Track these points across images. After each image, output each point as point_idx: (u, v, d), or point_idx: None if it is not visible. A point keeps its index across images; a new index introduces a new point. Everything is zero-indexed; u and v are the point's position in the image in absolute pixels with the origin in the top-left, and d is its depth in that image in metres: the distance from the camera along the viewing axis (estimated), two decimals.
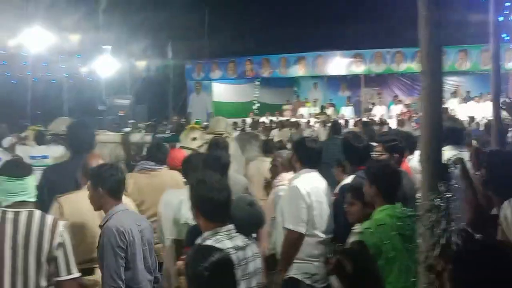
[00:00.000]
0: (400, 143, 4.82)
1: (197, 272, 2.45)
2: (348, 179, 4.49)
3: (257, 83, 24.09)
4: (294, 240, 4.38)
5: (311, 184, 4.48)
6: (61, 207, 3.92)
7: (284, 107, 22.83)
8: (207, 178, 3.13)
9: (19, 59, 15.93)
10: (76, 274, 3.29)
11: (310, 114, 21.23)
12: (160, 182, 5.16)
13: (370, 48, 20.97)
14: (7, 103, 14.85)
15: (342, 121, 16.20)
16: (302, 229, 4.37)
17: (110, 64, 18.03)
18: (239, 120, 19.11)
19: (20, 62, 16.11)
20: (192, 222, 3.57)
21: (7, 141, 9.34)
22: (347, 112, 21.06)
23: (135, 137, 10.45)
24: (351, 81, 22.73)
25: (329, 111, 21.12)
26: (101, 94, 16.84)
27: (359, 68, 21.50)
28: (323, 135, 14.48)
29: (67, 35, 16.52)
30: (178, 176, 5.10)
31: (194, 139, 7.22)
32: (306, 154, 4.60)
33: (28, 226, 3.18)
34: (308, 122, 19.15)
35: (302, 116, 20.96)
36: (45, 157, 8.13)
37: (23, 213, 3.21)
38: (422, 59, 2.39)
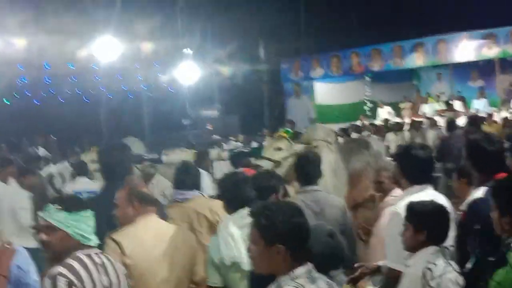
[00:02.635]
0: None
1: None
2: (479, 193, 4.00)
3: (368, 79, 23.26)
4: (394, 280, 3.91)
5: None
6: (119, 243, 3.84)
7: (402, 105, 21.76)
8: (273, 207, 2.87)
9: (90, 73, 16.08)
10: None
11: (435, 111, 20.04)
12: (194, 211, 5.10)
13: (505, 26, 19.27)
14: (80, 125, 15.00)
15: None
16: (403, 268, 3.87)
17: (193, 71, 17.81)
18: (348, 125, 18.26)
19: (92, 77, 16.27)
20: (243, 261, 3.64)
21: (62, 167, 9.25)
22: (480, 106, 19.65)
23: (212, 154, 10.08)
24: (483, 68, 21.19)
25: (458, 105, 19.76)
26: (185, 106, 16.62)
27: (492, 51, 19.87)
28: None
29: (142, 41, 16.45)
30: (215, 204, 4.98)
31: (279, 149, 7.13)
32: (413, 167, 4.18)
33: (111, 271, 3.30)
34: (433, 121, 17.87)
35: (425, 114, 19.89)
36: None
37: (100, 256, 3.30)
38: None
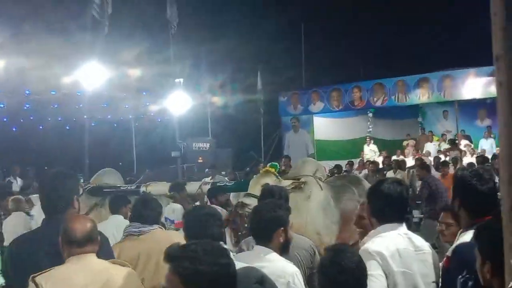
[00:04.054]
0: None
1: None
2: (467, 236, 3.59)
3: (370, 114, 23.03)
4: None
5: (390, 246, 3.67)
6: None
7: (405, 142, 21.41)
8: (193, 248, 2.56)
9: (73, 100, 15.73)
10: None
11: (439, 151, 19.74)
12: (150, 247, 4.87)
13: None
14: (60, 154, 14.64)
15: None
16: None
17: (183, 101, 17.46)
18: (343, 163, 17.88)
19: (75, 104, 15.93)
20: None
21: None
22: (487, 145, 19.29)
23: (191, 187, 9.70)
24: (490, 107, 20.83)
25: (463, 145, 19.42)
26: (175, 137, 16.24)
27: None
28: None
29: (130, 68, 16.16)
30: (176, 237, 4.65)
31: (266, 185, 6.69)
32: (382, 204, 3.83)
33: None
34: (437, 159, 17.47)
35: (429, 154, 19.57)
36: None
37: None
38: None
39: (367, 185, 8.85)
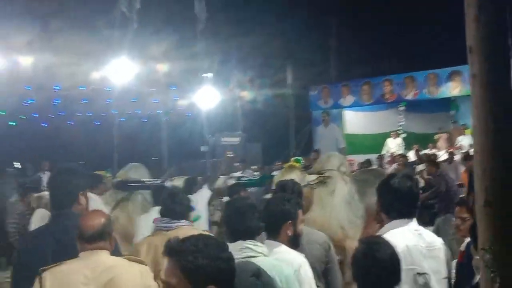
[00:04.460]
0: None
1: None
2: None
3: (402, 108, 22.60)
4: None
5: (400, 243, 3.55)
6: (42, 282, 3.55)
7: (437, 136, 21.07)
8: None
9: (102, 95, 15.90)
10: None
11: (471, 144, 19.32)
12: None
13: None
14: (89, 149, 14.79)
15: None
16: None
17: (213, 95, 17.51)
18: (373, 157, 17.72)
19: (104, 99, 16.09)
20: None
21: None
22: None
23: (218, 182, 9.76)
24: None
25: None
26: (203, 132, 16.30)
27: None
28: None
29: (158, 64, 16.23)
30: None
31: None
32: (391, 199, 3.85)
33: None
34: (467, 154, 17.18)
35: (461, 147, 19.17)
36: None
37: None
38: None
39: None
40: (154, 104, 17.98)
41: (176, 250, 2.55)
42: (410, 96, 21.24)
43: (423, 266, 3.68)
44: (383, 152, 20.33)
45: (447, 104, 22.68)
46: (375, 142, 22.09)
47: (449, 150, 18.21)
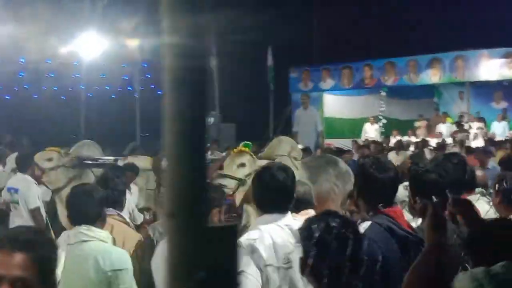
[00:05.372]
0: None
1: None
2: (360, 227, 3.34)
3: (383, 93, 22.57)
4: None
5: (266, 240, 3.56)
6: None
7: (417, 123, 21.08)
8: None
9: (70, 70, 15.69)
10: None
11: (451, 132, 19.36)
12: None
13: None
14: (55, 124, 14.64)
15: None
16: None
17: None
18: (348, 142, 17.68)
19: (72, 74, 15.89)
20: None
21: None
22: (499, 129, 18.81)
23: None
24: (507, 89, 20.35)
25: (475, 127, 18.96)
26: None
27: None
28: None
29: (130, 39, 15.99)
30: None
31: (242, 165, 6.74)
32: (261, 192, 3.77)
33: None
34: (443, 142, 17.14)
35: (441, 134, 19.21)
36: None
37: None
38: None
39: (344, 166, 8.71)
40: (123, 80, 17.78)
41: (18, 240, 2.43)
42: (390, 82, 21.19)
43: (292, 263, 3.51)
44: (362, 137, 20.31)
45: (431, 91, 22.62)
46: (355, 127, 22.07)
47: (427, 138, 18.25)
